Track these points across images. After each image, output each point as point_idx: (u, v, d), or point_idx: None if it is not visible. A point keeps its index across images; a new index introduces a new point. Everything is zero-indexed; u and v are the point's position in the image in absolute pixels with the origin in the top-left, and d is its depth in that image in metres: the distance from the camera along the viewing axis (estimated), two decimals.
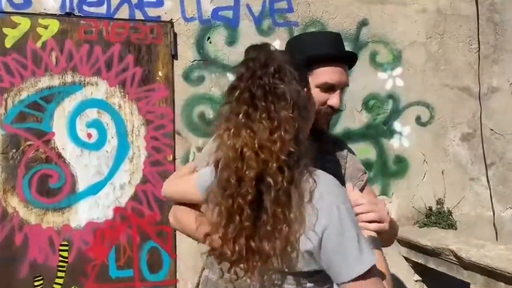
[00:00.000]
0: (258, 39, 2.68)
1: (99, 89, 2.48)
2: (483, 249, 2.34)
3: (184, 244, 2.60)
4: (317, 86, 1.28)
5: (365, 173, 1.41)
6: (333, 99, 1.28)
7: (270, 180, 0.92)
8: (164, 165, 2.56)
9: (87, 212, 2.47)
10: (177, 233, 2.59)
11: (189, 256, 2.61)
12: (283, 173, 0.93)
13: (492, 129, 3.11)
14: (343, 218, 0.93)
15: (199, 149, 2.62)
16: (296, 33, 2.74)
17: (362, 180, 1.36)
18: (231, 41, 2.67)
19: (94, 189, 2.48)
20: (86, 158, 2.47)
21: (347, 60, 1.37)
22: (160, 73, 2.56)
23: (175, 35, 2.58)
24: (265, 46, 1.03)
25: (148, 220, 2.53)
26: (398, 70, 2.92)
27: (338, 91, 1.29)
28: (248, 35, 2.68)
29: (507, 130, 3.16)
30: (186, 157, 2.61)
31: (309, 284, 1.01)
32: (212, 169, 1.04)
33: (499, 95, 3.12)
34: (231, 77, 2.66)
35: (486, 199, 3.09)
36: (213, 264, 1.14)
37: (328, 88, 1.29)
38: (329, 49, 1.32)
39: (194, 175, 1.20)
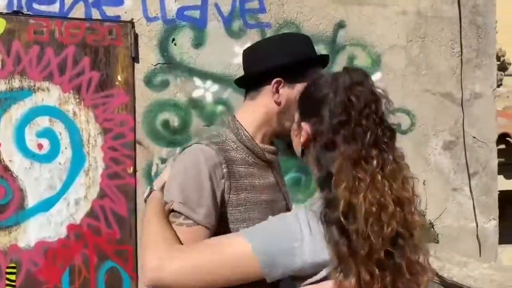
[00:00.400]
0: (227, 41, 2.51)
1: (51, 95, 2.26)
2: (466, 268, 2.19)
3: None
4: None
5: None
6: None
7: (406, 234, 0.83)
8: (123, 178, 2.36)
9: (38, 231, 2.24)
10: (139, 252, 2.39)
11: None
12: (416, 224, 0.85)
13: (475, 137, 2.97)
14: None
15: (163, 160, 2.42)
16: (269, 35, 2.56)
17: None
18: (198, 43, 2.47)
19: (46, 205, 2.26)
20: (36, 171, 2.25)
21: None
22: (119, 78, 2.35)
23: (136, 36, 2.37)
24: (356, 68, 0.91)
25: (106, 238, 2.32)
26: (377, 75, 2.76)
27: None
28: (217, 37, 2.49)
29: (490, 138, 3.04)
30: (148, 169, 2.41)
31: None
32: (318, 229, 0.83)
33: (482, 102, 2.98)
34: (198, 81, 2.48)
35: (469, 210, 2.96)
36: None
37: None
38: (313, 51, 1.15)
39: (236, 239, 0.84)
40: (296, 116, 0.98)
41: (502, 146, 4.25)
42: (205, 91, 2.48)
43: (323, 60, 1.19)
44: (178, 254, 0.84)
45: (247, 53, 1.16)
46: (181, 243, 0.90)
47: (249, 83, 1.14)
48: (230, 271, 0.81)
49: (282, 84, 1.09)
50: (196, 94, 2.47)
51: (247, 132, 1.09)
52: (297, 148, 0.98)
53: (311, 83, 0.96)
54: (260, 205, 1.07)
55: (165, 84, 2.43)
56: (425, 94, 2.85)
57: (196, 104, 2.47)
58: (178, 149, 1.20)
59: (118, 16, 2.36)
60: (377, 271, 0.79)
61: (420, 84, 2.84)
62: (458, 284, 2.08)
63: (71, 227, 2.28)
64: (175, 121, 2.45)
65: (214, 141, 1.02)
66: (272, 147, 1.13)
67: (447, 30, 2.90)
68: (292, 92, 1.09)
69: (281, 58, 1.09)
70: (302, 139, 0.92)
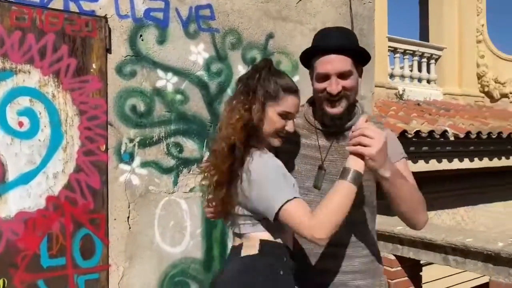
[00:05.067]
0: (185, 41, 2.97)
1: (32, 77, 2.46)
2: None
3: (116, 230, 2.72)
4: (315, 78, 1.60)
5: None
6: (330, 86, 1.54)
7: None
8: (97, 155, 2.65)
9: (18, 202, 2.42)
10: (110, 219, 2.70)
11: (122, 241, 2.74)
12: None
13: None
14: None
15: (131, 140, 2.77)
16: (217, 39, 3.10)
17: None
18: (161, 40, 2.88)
19: (26, 178, 2.44)
20: (17, 147, 2.42)
21: (342, 51, 1.52)
22: (94, 66, 2.64)
23: (109, 30, 2.69)
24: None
25: (82, 208, 2.59)
26: (296, 77, 3.49)
27: (334, 78, 1.52)
28: (177, 36, 2.94)
29: None
30: (118, 147, 2.73)
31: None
32: None
33: (366, 102, 3.95)
34: (160, 73, 2.88)
35: None
36: None
37: (322, 77, 1.56)
38: (323, 41, 1.56)
39: None
40: None
41: None
42: (166, 81, 2.91)
43: (320, 49, 1.58)
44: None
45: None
46: None
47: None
48: None
49: None
50: (159, 84, 2.88)
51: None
52: None
53: None
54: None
55: (133, 74, 2.78)
56: None
57: (158, 92, 2.88)
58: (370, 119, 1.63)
59: (93, 11, 2.65)
60: None
61: None
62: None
63: (49, 199, 2.50)
64: (141, 107, 2.82)
65: None
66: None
67: None
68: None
69: None
70: None
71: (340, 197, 1.41)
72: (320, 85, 1.59)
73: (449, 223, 7.28)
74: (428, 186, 7.01)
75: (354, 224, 1.62)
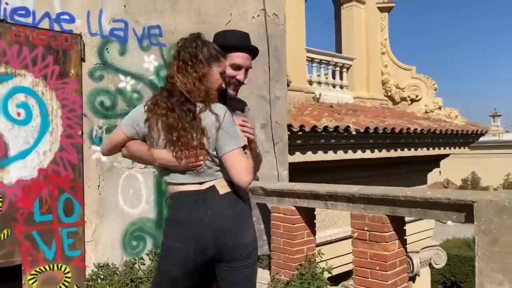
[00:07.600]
0: (140, 53, 3.92)
1: (27, 79, 3.29)
2: (268, 183, 4.15)
3: (89, 195, 3.59)
4: (230, 65, 2.02)
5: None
6: (239, 75, 2.06)
7: None
8: (75, 138, 3.51)
9: (17, 172, 3.23)
10: (85, 187, 3.58)
11: (94, 203, 3.62)
12: None
13: (277, 122, 5.05)
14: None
15: (100, 127, 3.67)
16: (165, 52, 4.07)
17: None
18: (122, 52, 3.81)
19: (23, 154, 3.26)
20: (16, 131, 3.23)
21: (251, 51, 2.09)
22: (72, 71, 3.51)
23: (83, 44, 3.57)
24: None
25: (64, 178, 3.44)
26: None
27: (243, 70, 2.04)
28: (133, 49, 3.87)
29: (284, 122, 5.18)
30: (90, 133, 3.61)
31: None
32: None
33: (280, 101, 5.10)
34: (122, 77, 3.80)
35: (274, 164, 5.02)
36: None
37: (237, 67, 2.04)
38: (239, 41, 2.06)
39: None
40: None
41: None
42: (126, 83, 3.83)
43: (239, 46, 2.04)
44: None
45: None
46: None
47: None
48: None
49: None
50: (121, 85, 3.80)
51: None
52: None
53: None
54: None
55: (101, 78, 3.68)
56: (251, 95, 4.78)
57: (120, 91, 3.79)
58: None
59: (71, 30, 3.52)
60: None
61: (248, 90, 4.75)
62: (274, 190, 4.02)
63: (40, 170, 3.33)
64: (107, 102, 3.72)
65: None
66: None
67: (262, 59, 4.91)
68: None
69: None
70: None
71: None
72: (233, 72, 2.04)
73: None
74: (335, 173, 8.37)
75: None
